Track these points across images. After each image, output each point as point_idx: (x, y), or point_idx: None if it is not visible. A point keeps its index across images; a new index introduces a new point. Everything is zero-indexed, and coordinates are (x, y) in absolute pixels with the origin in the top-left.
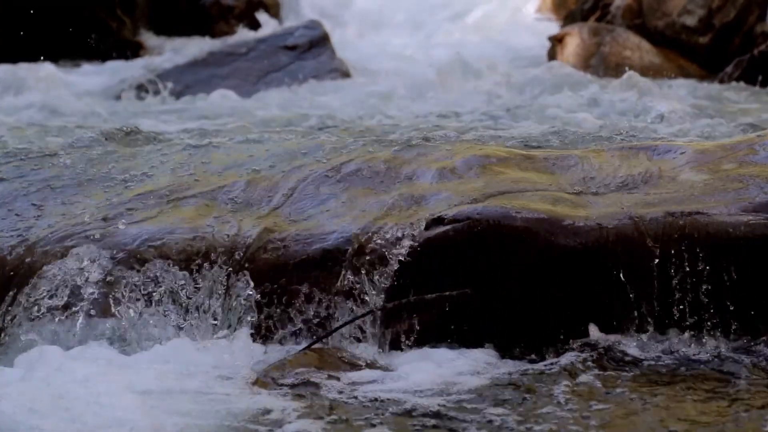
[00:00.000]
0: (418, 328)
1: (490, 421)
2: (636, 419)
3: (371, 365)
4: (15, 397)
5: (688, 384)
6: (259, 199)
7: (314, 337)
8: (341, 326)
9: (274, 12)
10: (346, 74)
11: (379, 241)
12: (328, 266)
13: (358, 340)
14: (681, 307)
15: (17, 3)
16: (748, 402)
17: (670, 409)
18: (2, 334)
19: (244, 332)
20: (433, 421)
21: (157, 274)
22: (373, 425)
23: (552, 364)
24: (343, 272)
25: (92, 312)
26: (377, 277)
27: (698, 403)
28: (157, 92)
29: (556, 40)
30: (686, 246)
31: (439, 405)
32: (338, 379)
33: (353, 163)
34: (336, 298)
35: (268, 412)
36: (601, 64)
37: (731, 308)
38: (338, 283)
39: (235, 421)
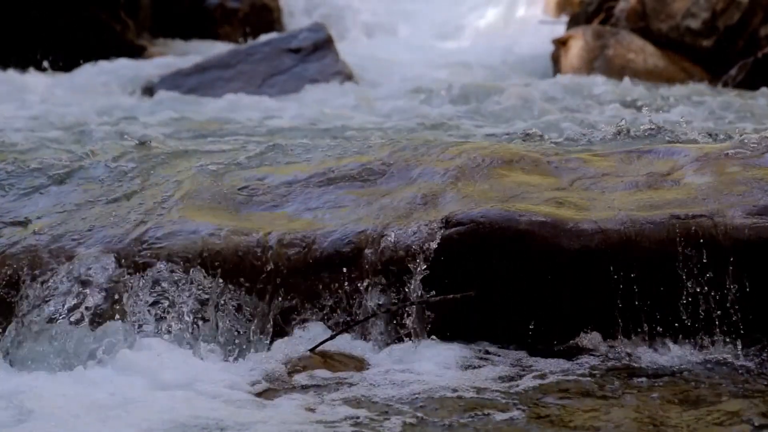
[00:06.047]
0: (422, 329)
1: (495, 425)
2: (634, 425)
3: (375, 366)
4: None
5: (691, 389)
6: (264, 200)
7: (319, 339)
8: (344, 330)
9: (277, 15)
10: (349, 77)
11: (384, 244)
12: (331, 268)
13: (364, 341)
14: (684, 310)
15: (19, 5)
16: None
17: (671, 415)
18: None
19: (248, 334)
20: (437, 422)
21: (161, 277)
22: (382, 427)
23: (553, 366)
24: (346, 274)
25: (97, 316)
26: (382, 278)
27: (693, 409)
28: (160, 96)
29: (560, 43)
30: (690, 249)
31: (443, 406)
32: (343, 380)
33: (357, 164)
34: (341, 299)
35: (273, 414)
36: (605, 66)
37: (735, 312)
38: (343, 285)
39: (240, 426)
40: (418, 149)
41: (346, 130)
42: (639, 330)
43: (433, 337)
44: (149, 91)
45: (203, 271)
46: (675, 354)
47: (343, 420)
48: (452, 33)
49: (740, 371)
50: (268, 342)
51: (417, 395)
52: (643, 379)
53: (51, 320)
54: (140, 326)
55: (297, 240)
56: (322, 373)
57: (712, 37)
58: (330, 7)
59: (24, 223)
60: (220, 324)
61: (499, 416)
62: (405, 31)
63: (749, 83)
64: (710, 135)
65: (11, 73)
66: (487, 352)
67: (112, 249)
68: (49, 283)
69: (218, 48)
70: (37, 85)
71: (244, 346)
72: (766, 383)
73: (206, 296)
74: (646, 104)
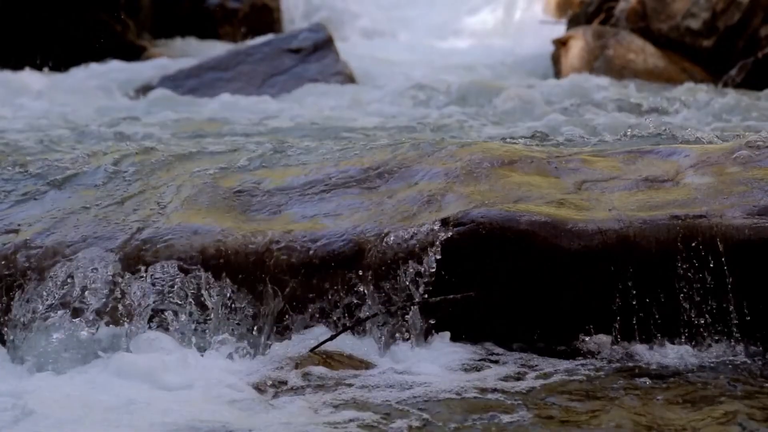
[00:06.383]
0: (424, 330)
1: (500, 427)
2: (636, 426)
3: (377, 367)
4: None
5: (693, 390)
6: (265, 203)
7: (319, 339)
8: (345, 329)
9: (277, 15)
10: (350, 77)
11: (385, 245)
12: (332, 269)
13: (366, 342)
14: (685, 311)
15: (19, 5)
16: (749, 410)
17: (669, 416)
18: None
19: (249, 336)
20: (441, 424)
21: (162, 279)
22: (387, 428)
23: (556, 366)
24: (347, 274)
25: (98, 319)
26: (383, 279)
27: (693, 409)
28: (160, 96)
29: (560, 43)
30: (690, 249)
31: (448, 408)
32: (346, 381)
33: (359, 166)
34: (342, 300)
35: (277, 415)
36: (605, 66)
37: (736, 312)
38: (343, 285)
39: (244, 428)
40: (420, 150)
41: (347, 130)
42: (640, 330)
43: (435, 337)
44: (149, 91)
45: (204, 273)
46: (676, 355)
47: (348, 422)
48: (452, 34)
49: (742, 372)
50: (269, 343)
51: (420, 396)
52: (645, 379)
53: (52, 323)
54: (141, 328)
55: (298, 241)
56: (325, 374)
57: (712, 37)
58: (329, 11)
59: (19, 228)
60: (222, 326)
61: (505, 418)
62: (405, 35)
63: (749, 83)
64: (712, 135)
65: (9, 74)
66: (490, 353)
67: (113, 251)
68: (50, 286)
69: (218, 48)
70: (35, 86)
71: (246, 348)
72: (767, 384)
73: (207, 299)
74: (647, 105)
